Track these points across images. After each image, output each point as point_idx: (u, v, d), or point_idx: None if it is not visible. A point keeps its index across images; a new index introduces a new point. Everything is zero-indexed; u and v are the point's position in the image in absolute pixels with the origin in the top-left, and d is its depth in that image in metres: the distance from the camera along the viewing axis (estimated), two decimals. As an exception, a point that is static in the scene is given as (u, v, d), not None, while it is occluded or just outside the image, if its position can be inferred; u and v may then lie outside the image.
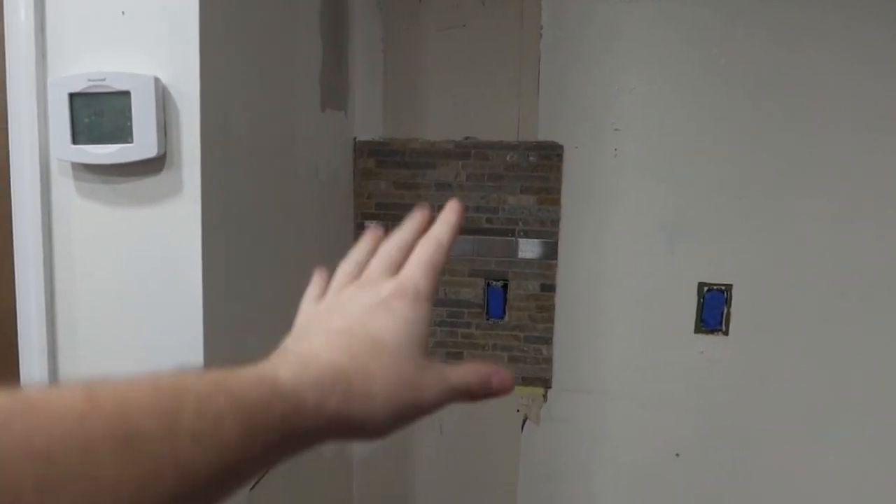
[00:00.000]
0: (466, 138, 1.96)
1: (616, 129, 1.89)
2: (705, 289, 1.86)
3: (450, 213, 0.49)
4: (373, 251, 0.48)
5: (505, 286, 1.96)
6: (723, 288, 1.85)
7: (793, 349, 1.83)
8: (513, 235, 1.94)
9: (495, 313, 1.97)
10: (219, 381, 0.30)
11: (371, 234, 0.51)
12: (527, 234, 1.93)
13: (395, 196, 2.00)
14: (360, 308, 0.39)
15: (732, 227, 1.83)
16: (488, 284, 1.96)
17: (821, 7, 1.73)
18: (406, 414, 0.37)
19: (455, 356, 2.01)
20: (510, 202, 1.94)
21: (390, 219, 2.01)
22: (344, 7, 1.89)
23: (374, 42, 1.98)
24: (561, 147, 1.91)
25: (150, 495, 0.24)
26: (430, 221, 0.50)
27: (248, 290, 1.36)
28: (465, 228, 1.96)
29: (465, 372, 0.40)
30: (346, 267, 0.48)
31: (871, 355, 1.79)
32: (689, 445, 1.91)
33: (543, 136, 1.92)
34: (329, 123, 1.81)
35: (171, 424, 0.26)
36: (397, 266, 0.45)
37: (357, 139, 2.00)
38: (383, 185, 2.01)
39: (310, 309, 0.46)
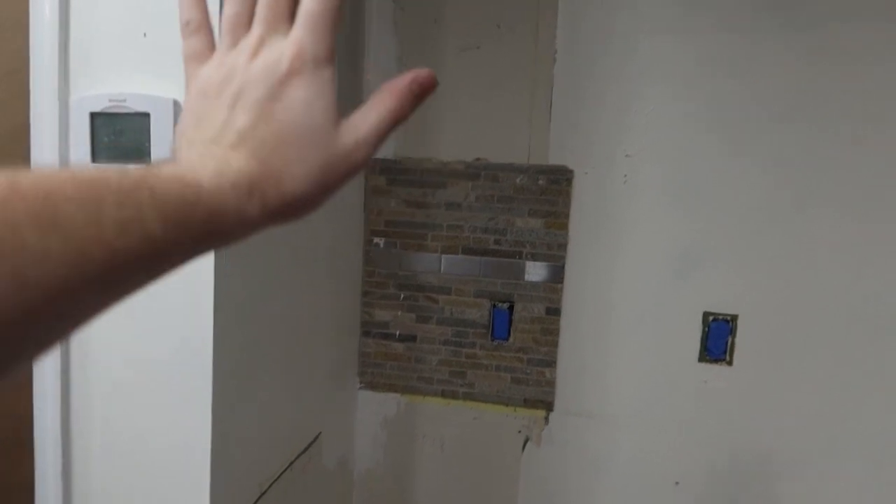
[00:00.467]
0: (477, 159, 1.98)
1: (627, 156, 1.90)
2: (710, 318, 1.86)
3: None
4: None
5: (510, 308, 1.97)
6: (728, 318, 1.85)
7: (796, 382, 1.83)
8: (520, 258, 1.96)
9: (500, 335, 1.98)
10: (140, 178, 0.31)
11: None
12: (534, 257, 1.95)
13: (406, 214, 2.02)
14: (260, 94, 0.37)
15: (740, 256, 1.84)
16: (494, 306, 1.98)
17: (840, 34, 1.74)
18: (329, 188, 0.38)
19: (459, 375, 2.03)
20: (518, 224, 1.96)
21: (400, 236, 2.03)
22: (361, 26, 1.92)
23: (390, 61, 2.00)
24: (571, 171, 1.92)
25: (79, 273, 0.26)
26: None
27: (259, 308, 1.38)
28: (472, 249, 1.98)
29: (378, 105, 0.39)
30: (232, 7, 0.42)
31: (878, 388, 1.79)
32: (689, 474, 1.91)
33: (554, 159, 1.94)
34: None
35: (94, 212, 0.27)
36: (290, 13, 0.39)
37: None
38: (393, 202, 2.03)
39: (202, 74, 0.41)
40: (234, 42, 0.41)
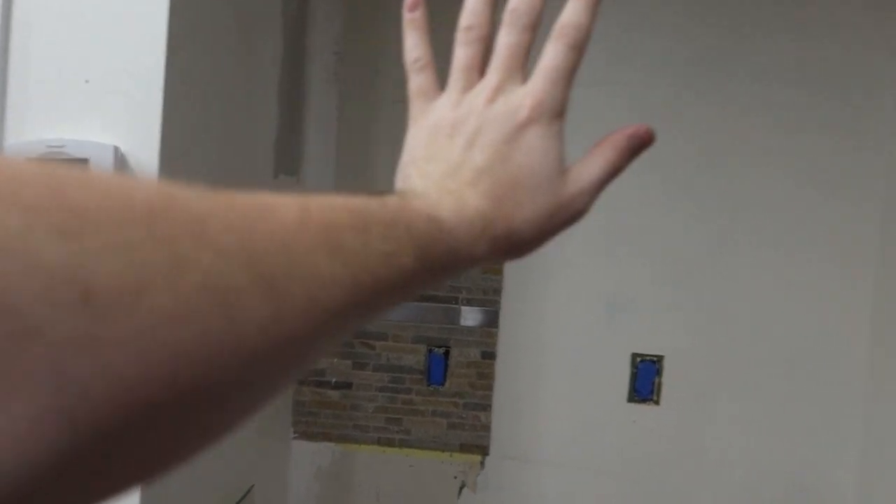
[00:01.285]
0: (413, 207, 2.01)
1: (557, 205, 1.98)
2: (638, 359, 1.94)
3: None
4: (489, 14, 0.42)
5: (447, 353, 1.99)
6: (654, 359, 1.93)
7: (721, 419, 1.92)
8: (456, 303, 1.99)
9: (436, 380, 1.99)
10: (397, 211, 0.33)
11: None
12: (470, 302, 1.99)
13: (342, 260, 2.03)
14: (498, 136, 0.39)
15: (665, 299, 1.93)
16: (430, 351, 2.00)
17: (762, 91, 1.89)
18: (551, 233, 0.39)
19: (395, 422, 2.02)
20: (454, 270, 1.99)
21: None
22: (302, 76, 1.95)
23: (330, 110, 2.03)
24: (504, 219, 1.98)
25: (352, 298, 0.28)
26: None
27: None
28: (409, 294, 2.00)
29: (598, 156, 0.41)
30: (465, 50, 0.42)
31: (798, 424, 1.89)
32: (622, 515, 1.96)
33: (488, 208, 1.99)
34: (281, 189, 1.84)
35: (364, 242, 0.29)
36: (527, 62, 0.41)
37: (305, 203, 2.03)
38: (330, 248, 2.03)
39: (435, 110, 0.43)
40: (468, 84, 0.42)
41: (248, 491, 1.73)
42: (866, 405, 1.86)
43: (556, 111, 0.39)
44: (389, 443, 2.02)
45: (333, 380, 2.03)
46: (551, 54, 0.40)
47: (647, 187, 1.92)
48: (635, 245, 1.94)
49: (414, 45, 0.45)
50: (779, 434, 1.90)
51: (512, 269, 1.98)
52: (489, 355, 1.99)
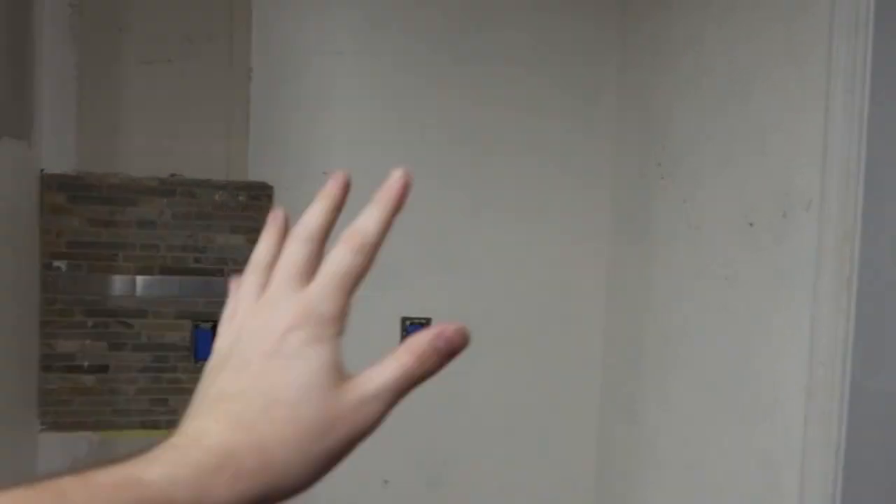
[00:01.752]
0: (172, 175, 1.90)
1: (324, 172, 1.97)
2: (408, 322, 2.02)
3: (388, 190, 0.39)
4: (278, 246, 0.39)
5: (214, 327, 1.92)
6: (423, 321, 2.02)
7: (482, 374, 2.06)
8: (222, 275, 1.92)
9: (204, 355, 1.91)
10: (86, 481, 0.29)
11: (273, 221, 0.41)
12: (237, 273, 1.92)
13: (91, 234, 1.86)
14: (256, 355, 0.34)
15: (429, 266, 2.03)
16: (196, 326, 1.91)
17: (500, 68, 2.02)
18: (326, 458, 0.33)
19: (160, 402, 1.91)
20: (219, 241, 1.92)
21: (86, 258, 1.86)
22: (26, 26, 1.73)
23: (67, 68, 1.83)
24: (271, 188, 1.95)
25: None
26: (346, 192, 0.41)
27: None
28: (171, 269, 1.90)
29: (393, 361, 0.35)
30: (250, 277, 0.40)
31: (543, 378, 2.09)
32: (396, 472, 2.04)
33: (254, 175, 1.94)
34: (5, 154, 1.63)
35: None
36: (308, 272, 0.37)
37: (44, 172, 1.83)
38: (76, 221, 1.85)
39: (224, 333, 0.40)
40: (256, 291, 0.38)
41: (-17, 494, 1.54)
42: (604, 358, 2.11)
43: (328, 317, 0.36)
44: (155, 425, 1.91)
45: (86, 363, 1.87)
46: (334, 258, 0.37)
47: (408, 160, 1.99)
48: (402, 213, 2.00)
49: (260, 254, 0.41)
50: (529, 386, 2.09)
51: (280, 238, 1.95)
52: (259, 327, 1.95)
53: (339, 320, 0.36)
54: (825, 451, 1.19)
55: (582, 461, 2.13)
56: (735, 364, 1.51)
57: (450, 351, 0.36)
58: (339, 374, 0.34)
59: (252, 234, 1.94)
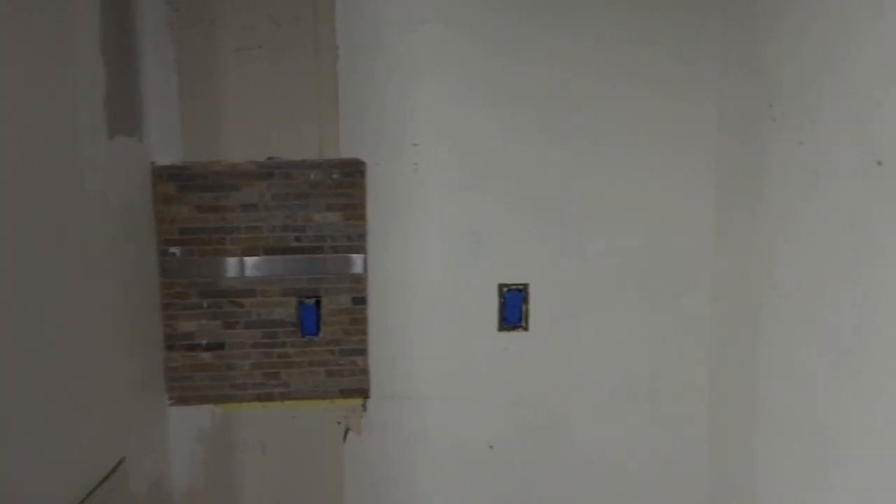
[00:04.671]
0: (269, 159, 1.97)
1: (415, 145, 1.98)
2: (505, 289, 2.00)
3: None
4: None
5: (317, 303, 1.99)
6: (520, 287, 2.00)
7: (585, 337, 2.02)
8: (322, 252, 1.98)
9: (309, 330, 1.99)
10: None
11: None
12: (335, 250, 1.97)
13: (199, 220, 1.96)
14: None
15: (526, 231, 1.99)
16: (300, 302, 1.98)
17: (592, 34, 1.93)
18: None
19: (273, 376, 2.01)
20: (317, 220, 1.97)
21: (196, 243, 1.97)
22: (130, 27, 1.83)
23: (168, 64, 1.93)
24: (363, 164, 1.97)
25: None
26: None
27: (29, 326, 1.29)
28: (273, 248, 1.97)
29: None
30: None
31: (652, 334, 2.02)
32: (501, 436, 2.05)
33: (346, 153, 1.98)
34: (120, 150, 1.74)
35: None
36: None
37: (155, 164, 1.94)
38: (186, 209, 1.96)
39: None
40: None
41: (119, 463, 1.68)
42: (714, 312, 2.00)
43: None
44: (269, 397, 2.02)
45: (204, 342, 1.99)
46: None
47: (499, 121, 1.95)
48: (494, 178, 1.98)
49: None
50: (637, 343, 2.02)
51: (375, 212, 1.98)
52: (360, 300, 1.99)
53: None
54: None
55: (694, 417, 2.05)
56: (858, 317, 1.38)
57: None
58: None
59: (348, 211, 1.98)
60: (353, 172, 1.98)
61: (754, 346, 1.79)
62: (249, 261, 1.98)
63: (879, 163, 1.32)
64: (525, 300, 2.00)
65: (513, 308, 2.00)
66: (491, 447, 2.05)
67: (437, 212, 1.98)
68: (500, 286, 2.00)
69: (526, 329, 2.01)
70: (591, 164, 1.98)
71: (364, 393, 2.02)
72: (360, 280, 1.99)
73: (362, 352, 2.01)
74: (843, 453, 1.44)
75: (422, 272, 2.00)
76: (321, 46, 1.99)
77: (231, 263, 1.98)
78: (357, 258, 1.98)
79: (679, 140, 1.98)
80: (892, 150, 1.29)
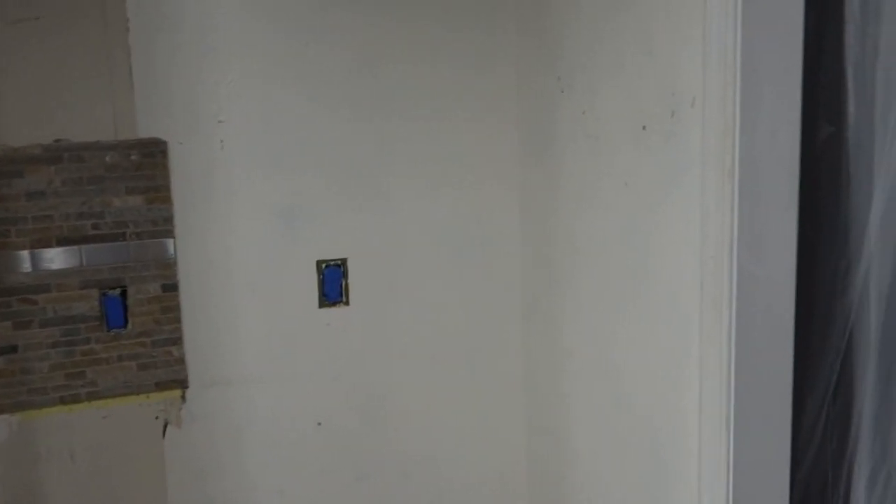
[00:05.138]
0: (57, 141, 1.81)
1: (220, 122, 1.91)
2: (323, 265, 2.00)
3: None
4: None
5: (123, 293, 1.87)
6: (339, 262, 2.01)
7: (404, 307, 2.07)
8: (124, 238, 1.86)
9: (116, 323, 1.86)
10: None
11: None
12: (139, 236, 1.86)
13: (-24, 211, 1.77)
14: None
15: (341, 206, 1.99)
16: (104, 294, 1.85)
17: (392, 14, 1.96)
18: None
19: (77, 376, 1.86)
20: (116, 204, 1.85)
21: (-27, 237, 1.77)
22: None
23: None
24: (165, 143, 1.87)
25: None
26: None
27: None
28: (69, 238, 1.82)
29: None
30: None
31: (466, 299, 2.12)
32: (328, 413, 2.05)
33: (144, 132, 1.86)
34: None
35: None
36: None
37: (-87, 150, 1.71)
38: (-42, 199, 1.75)
39: None
40: None
41: None
42: (522, 271, 2.14)
43: None
44: (75, 399, 1.87)
45: (-9, 346, 1.80)
46: None
47: (306, 96, 1.93)
48: (305, 153, 1.96)
49: None
50: (454, 309, 2.11)
51: (182, 194, 1.88)
52: (171, 287, 1.90)
53: None
54: (718, 337, 1.24)
55: (510, 372, 2.17)
56: (636, 265, 1.55)
57: None
58: None
59: (151, 194, 1.87)
60: (153, 153, 1.87)
61: (559, 301, 1.94)
62: (41, 253, 1.81)
63: (644, 128, 1.48)
64: (344, 275, 2.01)
65: (332, 283, 2.01)
66: (319, 424, 2.05)
67: (248, 190, 1.93)
68: (319, 262, 1.99)
69: (347, 304, 2.03)
70: (400, 138, 2.02)
71: (182, 383, 1.94)
72: (170, 265, 1.89)
73: (177, 341, 1.92)
74: (631, 386, 1.61)
75: (236, 253, 1.94)
76: (109, 18, 1.85)
77: (19, 258, 1.80)
78: (165, 242, 1.88)
79: (482, 111, 2.07)
80: (653, 116, 1.45)
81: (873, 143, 1.26)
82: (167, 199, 1.88)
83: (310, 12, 1.92)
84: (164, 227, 1.88)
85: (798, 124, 1.29)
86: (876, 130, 1.26)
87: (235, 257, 1.94)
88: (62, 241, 1.82)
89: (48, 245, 1.82)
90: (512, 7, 2.05)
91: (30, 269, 1.81)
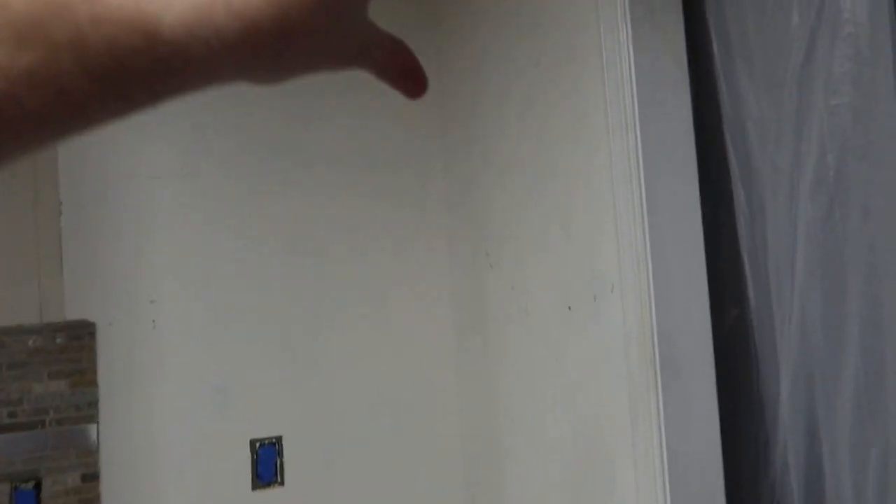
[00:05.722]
0: (-24, 325, 1.75)
1: (152, 301, 1.90)
2: (257, 444, 1.94)
3: None
4: None
5: (38, 486, 1.75)
6: (273, 441, 1.96)
7: (342, 483, 2.01)
8: (43, 427, 1.77)
9: (27, 520, 1.73)
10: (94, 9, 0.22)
11: None
12: (60, 423, 1.78)
13: None
14: None
15: (276, 381, 1.98)
16: (15, 488, 1.73)
17: (329, 192, 2.06)
18: (309, 52, 0.26)
19: (-22, 583, 1.70)
20: (37, 390, 1.77)
21: None
22: None
23: None
24: (93, 325, 1.84)
25: None
26: None
27: None
28: (-19, 428, 1.72)
29: (392, 42, 0.31)
30: None
31: (407, 469, 2.08)
32: None
33: (72, 314, 1.83)
34: None
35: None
36: None
37: None
38: None
39: None
40: None
41: None
42: (462, 445, 2.13)
43: None
44: None
45: None
46: None
47: (239, 274, 1.96)
48: (238, 331, 1.96)
49: None
50: (394, 481, 2.06)
51: (109, 376, 1.83)
52: (91, 477, 1.80)
53: None
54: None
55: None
56: (574, 442, 1.58)
57: (409, 84, 0.32)
58: None
59: (76, 377, 1.81)
60: (80, 335, 1.83)
61: (498, 476, 1.93)
62: (-52, 446, 1.70)
63: (569, 308, 1.57)
64: (279, 453, 1.96)
65: (266, 463, 1.94)
66: None
67: (179, 369, 1.90)
68: (253, 441, 1.94)
69: (282, 484, 1.96)
70: (337, 311, 2.05)
71: (98, 584, 1.79)
72: (91, 453, 1.80)
73: (95, 536, 1.79)
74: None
75: (164, 436, 1.87)
76: (41, 201, 1.87)
77: (-78, 452, 1.68)
78: (87, 429, 1.80)
79: (416, 282, 2.15)
80: (577, 296, 1.55)
81: (773, 324, 1.38)
82: (93, 383, 1.82)
83: (247, 196, 1.99)
84: (87, 411, 1.81)
85: (707, 305, 1.41)
86: (774, 312, 1.38)
87: (163, 441, 1.87)
88: (-26, 432, 1.72)
89: (-42, 437, 1.71)
90: (441, 185, 2.19)
91: (-66, 465, 1.69)
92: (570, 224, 1.60)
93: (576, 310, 1.56)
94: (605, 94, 1.46)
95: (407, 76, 0.32)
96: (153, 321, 1.89)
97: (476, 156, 2.01)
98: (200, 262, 1.95)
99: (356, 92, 2.07)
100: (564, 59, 1.61)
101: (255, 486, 1.93)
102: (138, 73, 0.23)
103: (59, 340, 1.81)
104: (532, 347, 1.74)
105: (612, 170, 1.46)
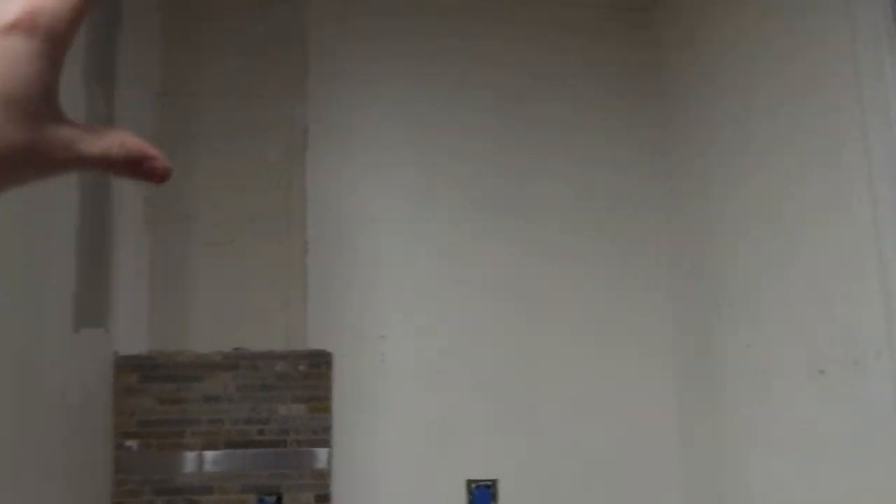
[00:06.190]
0: (236, 349, 1.97)
1: (382, 336, 2.02)
2: (473, 485, 1.96)
3: None
4: None
5: (279, 500, 1.91)
6: (489, 483, 1.97)
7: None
8: (285, 446, 1.93)
9: (268, 531, 1.89)
10: None
11: None
12: (299, 444, 1.94)
13: (160, 412, 1.92)
14: None
15: (492, 424, 1.99)
16: (260, 500, 1.90)
17: (555, 235, 2.07)
18: (13, 172, 0.31)
19: (225, 583, 1.88)
20: (282, 412, 1.95)
21: (155, 436, 1.91)
22: (107, 223, 1.88)
23: (140, 255, 1.97)
24: (330, 355, 1.99)
25: None
26: None
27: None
28: (235, 442, 1.92)
29: (108, 142, 0.33)
30: None
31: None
32: None
33: (312, 344, 2.00)
34: (85, 343, 1.73)
35: None
36: None
37: (118, 354, 1.93)
38: (147, 401, 1.92)
39: None
40: None
41: None
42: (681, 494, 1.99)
43: (55, 33, 0.32)
44: None
45: (154, 546, 1.87)
46: None
47: (462, 315, 2.02)
48: (460, 370, 2.01)
49: None
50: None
51: (340, 404, 1.96)
52: (323, 497, 1.92)
53: (66, 43, 0.33)
54: None
55: None
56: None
57: (147, 176, 0.34)
58: (54, 106, 0.32)
59: (314, 403, 1.97)
60: (319, 363, 1.99)
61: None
62: (209, 455, 1.92)
63: (822, 371, 1.40)
64: (494, 497, 1.96)
65: (481, 504, 1.95)
66: None
67: (403, 404, 1.98)
68: (469, 482, 1.96)
69: (494, 527, 1.96)
70: (556, 356, 2.03)
71: None
72: (324, 475, 1.93)
73: (323, 555, 1.91)
74: None
75: (387, 467, 1.96)
76: (292, 241, 2.07)
77: (189, 458, 1.91)
78: (321, 452, 1.94)
79: (637, 335, 2.06)
80: (833, 359, 1.38)
81: None
82: (327, 409, 1.96)
83: (471, 245, 2.06)
84: (322, 436, 1.95)
85: None
86: None
87: (387, 471, 1.95)
88: (229, 444, 1.93)
89: (216, 447, 1.92)
90: (665, 237, 2.10)
91: (197, 470, 1.91)
92: (825, 281, 1.44)
93: (829, 375, 1.39)
94: (868, 142, 1.31)
95: (133, 164, 0.34)
96: (382, 354, 2.00)
97: (707, 206, 1.90)
98: (426, 303, 2.03)
99: (581, 145, 2.07)
100: (818, 112, 1.48)
101: (469, 526, 1.95)
102: None
103: (301, 367, 1.98)
104: (772, 414, 1.58)
105: (877, 223, 1.29)
